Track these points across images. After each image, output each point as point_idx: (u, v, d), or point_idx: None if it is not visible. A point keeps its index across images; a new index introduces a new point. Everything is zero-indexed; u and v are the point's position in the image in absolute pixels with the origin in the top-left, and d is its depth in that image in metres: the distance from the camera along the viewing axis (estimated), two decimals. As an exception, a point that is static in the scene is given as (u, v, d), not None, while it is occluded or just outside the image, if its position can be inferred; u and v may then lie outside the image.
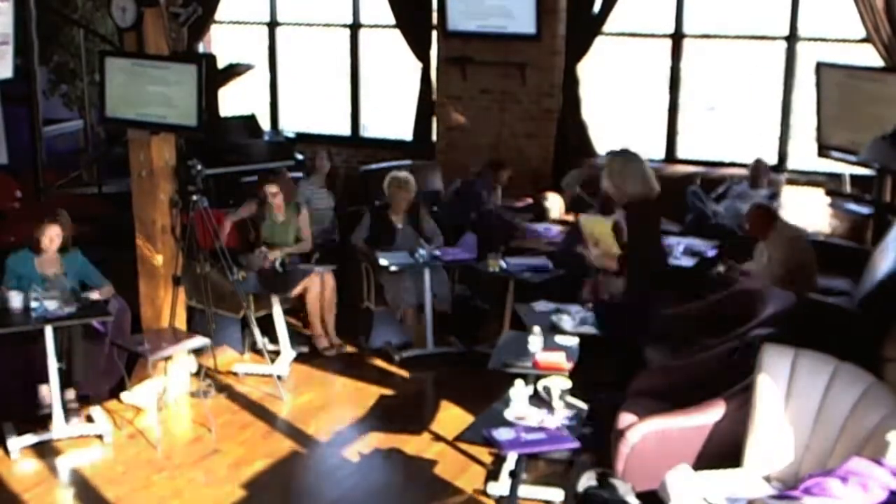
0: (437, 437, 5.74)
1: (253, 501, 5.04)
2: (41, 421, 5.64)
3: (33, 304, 5.49)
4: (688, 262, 6.94)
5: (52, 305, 5.53)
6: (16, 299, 5.55)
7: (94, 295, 5.81)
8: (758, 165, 8.10)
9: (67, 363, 5.72)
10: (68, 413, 5.67)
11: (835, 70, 7.74)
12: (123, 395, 6.10)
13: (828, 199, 7.97)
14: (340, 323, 7.55)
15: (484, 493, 5.08)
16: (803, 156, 8.71)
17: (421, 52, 9.62)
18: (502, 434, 4.46)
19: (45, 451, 5.50)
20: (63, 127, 10.01)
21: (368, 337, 7.25)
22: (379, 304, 7.14)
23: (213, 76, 9.48)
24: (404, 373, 6.73)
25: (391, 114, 11.63)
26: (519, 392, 4.77)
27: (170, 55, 6.02)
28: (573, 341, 5.43)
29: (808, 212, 8.28)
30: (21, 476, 5.29)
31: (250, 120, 9.78)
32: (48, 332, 5.48)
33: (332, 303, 6.99)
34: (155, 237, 6.08)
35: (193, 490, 5.15)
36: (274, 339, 6.79)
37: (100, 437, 5.63)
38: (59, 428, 5.57)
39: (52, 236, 5.84)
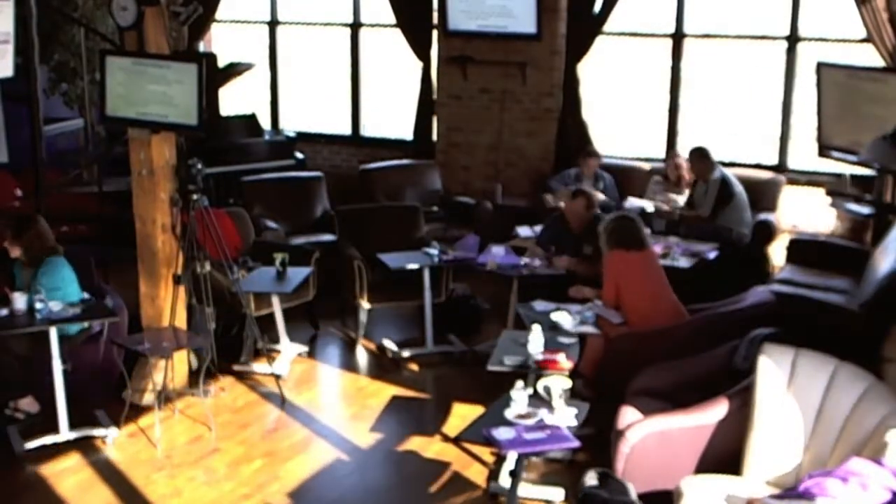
0: (438, 437, 5.75)
1: (252, 500, 5.04)
2: (46, 424, 5.65)
3: (38, 306, 5.48)
4: (686, 263, 6.94)
5: (56, 307, 5.53)
6: (20, 301, 5.54)
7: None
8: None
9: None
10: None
11: (835, 70, 7.74)
12: (124, 394, 6.11)
13: (828, 200, 7.96)
14: (335, 321, 7.58)
15: (485, 492, 5.08)
16: (804, 156, 8.71)
17: (421, 52, 9.62)
18: (502, 433, 4.46)
19: (48, 453, 5.49)
20: (63, 126, 10.00)
21: (360, 335, 7.24)
22: (372, 302, 7.15)
23: (214, 75, 9.50)
24: (404, 372, 6.73)
25: (390, 113, 11.63)
26: (519, 392, 4.77)
27: (170, 54, 6.02)
28: (573, 340, 5.43)
29: (809, 212, 8.30)
30: (23, 476, 5.30)
31: (250, 119, 9.79)
32: (52, 333, 5.48)
33: None
34: (155, 236, 6.08)
35: (193, 489, 5.15)
36: (274, 338, 6.80)
37: (102, 437, 5.63)
38: (65, 431, 5.57)
39: (7, 242, 5.84)
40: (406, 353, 6.93)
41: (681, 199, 8.09)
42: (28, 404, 5.87)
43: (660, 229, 7.61)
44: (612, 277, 5.84)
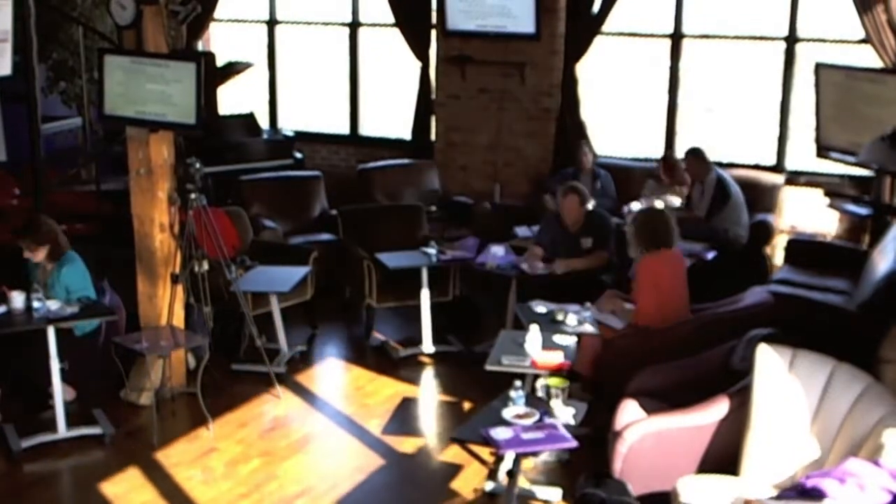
0: (436, 436, 5.75)
1: (250, 500, 5.04)
2: (43, 422, 5.65)
3: (35, 305, 5.48)
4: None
5: (54, 305, 5.53)
6: (17, 299, 5.53)
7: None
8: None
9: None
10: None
11: (834, 71, 7.74)
12: (122, 393, 6.11)
13: (827, 200, 7.96)
14: (342, 320, 7.59)
15: (483, 491, 5.08)
16: (802, 156, 8.71)
17: (420, 52, 9.62)
18: (500, 433, 4.46)
19: (45, 451, 5.49)
20: (62, 124, 9.99)
21: (369, 334, 7.25)
22: (381, 301, 7.14)
23: (212, 74, 9.49)
24: (402, 371, 6.73)
25: (389, 113, 11.63)
26: (517, 391, 4.77)
27: (169, 53, 6.01)
28: (571, 341, 5.43)
29: (807, 212, 8.31)
30: (20, 475, 5.29)
31: (249, 118, 9.78)
32: (50, 332, 5.47)
33: None
34: (153, 235, 6.08)
35: (191, 488, 5.15)
36: (272, 337, 6.79)
37: (99, 436, 5.63)
38: (62, 429, 5.57)
39: (28, 251, 5.87)
40: (405, 353, 6.94)
41: (676, 200, 8.09)
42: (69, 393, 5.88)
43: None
44: (650, 283, 5.59)
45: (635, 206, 8.01)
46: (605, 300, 6.11)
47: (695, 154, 7.89)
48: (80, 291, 5.81)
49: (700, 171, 7.83)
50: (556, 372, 5.04)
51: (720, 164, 7.97)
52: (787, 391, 4.27)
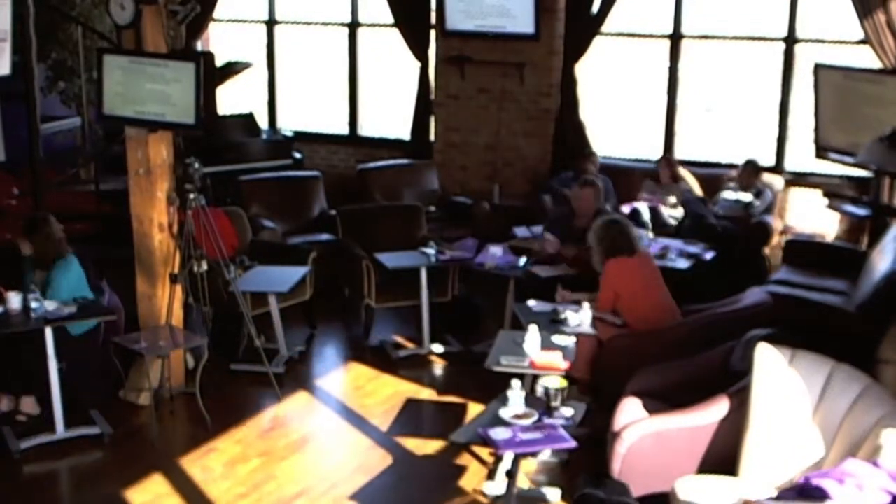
0: (435, 437, 5.74)
1: (248, 500, 5.04)
2: (41, 423, 5.66)
3: (33, 305, 5.47)
4: (684, 264, 6.94)
5: (51, 306, 5.53)
6: (14, 300, 5.52)
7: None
8: (746, 167, 8.20)
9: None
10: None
11: (833, 72, 7.75)
12: (121, 394, 6.11)
13: (826, 201, 7.96)
14: (341, 320, 7.58)
15: (482, 492, 5.08)
16: (801, 157, 8.71)
17: (419, 52, 9.62)
18: (499, 434, 4.46)
19: (44, 451, 5.49)
20: (61, 124, 10.00)
21: (368, 334, 7.25)
22: (380, 302, 7.14)
23: (212, 74, 9.49)
24: (401, 371, 6.73)
25: (388, 113, 11.63)
26: (516, 391, 4.77)
27: (168, 53, 6.01)
28: (570, 341, 5.43)
29: (806, 213, 8.31)
30: (19, 475, 5.29)
31: (248, 118, 9.79)
32: (48, 333, 5.46)
33: None
34: (152, 235, 6.07)
35: (189, 488, 5.14)
36: (271, 337, 6.79)
37: (98, 436, 5.62)
38: (60, 430, 5.56)
39: (20, 244, 5.87)
40: (404, 353, 6.93)
41: (673, 200, 8.09)
42: (29, 406, 5.86)
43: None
44: (610, 286, 5.79)
45: (641, 205, 8.02)
46: (558, 295, 6.15)
47: (753, 166, 8.19)
48: (72, 292, 5.78)
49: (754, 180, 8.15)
50: (554, 372, 5.03)
51: (719, 165, 7.98)
52: (786, 391, 4.27)
